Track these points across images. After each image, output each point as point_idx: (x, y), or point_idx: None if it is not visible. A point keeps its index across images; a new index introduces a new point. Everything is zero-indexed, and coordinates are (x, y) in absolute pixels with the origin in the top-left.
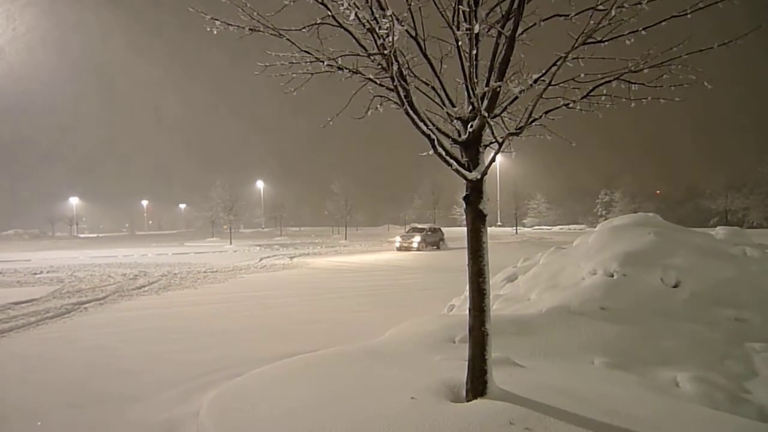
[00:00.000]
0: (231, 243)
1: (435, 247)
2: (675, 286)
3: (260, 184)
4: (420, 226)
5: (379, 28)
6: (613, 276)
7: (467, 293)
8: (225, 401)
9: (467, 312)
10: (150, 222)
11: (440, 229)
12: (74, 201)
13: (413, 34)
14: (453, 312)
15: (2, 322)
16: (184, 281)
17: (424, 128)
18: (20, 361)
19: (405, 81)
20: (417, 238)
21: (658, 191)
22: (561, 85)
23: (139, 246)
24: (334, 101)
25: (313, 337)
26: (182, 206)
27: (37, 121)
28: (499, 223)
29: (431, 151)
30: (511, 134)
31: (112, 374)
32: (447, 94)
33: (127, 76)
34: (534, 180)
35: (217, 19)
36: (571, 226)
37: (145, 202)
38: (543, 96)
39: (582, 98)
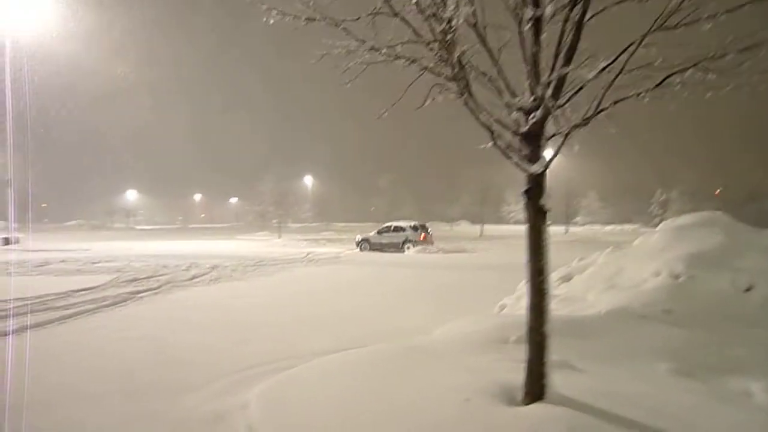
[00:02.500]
0: (280, 237)
1: (398, 248)
2: (747, 290)
3: (308, 180)
4: (398, 223)
5: (444, 11)
6: (678, 278)
7: (521, 292)
8: (274, 394)
9: (523, 312)
10: (202, 215)
11: (420, 227)
12: (132, 194)
13: (473, 22)
14: (504, 312)
15: (63, 308)
16: (234, 273)
17: (485, 119)
18: (76, 347)
19: (464, 70)
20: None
21: (717, 191)
22: (634, 71)
23: (191, 238)
24: (383, 97)
25: (361, 332)
26: (233, 200)
27: (99, 116)
28: (548, 222)
29: (490, 144)
30: (577, 126)
31: (163, 363)
32: (507, 84)
33: (181, 70)
34: (586, 177)
35: (273, 8)
36: (624, 226)
37: (198, 196)
38: (611, 85)
39: (655, 86)
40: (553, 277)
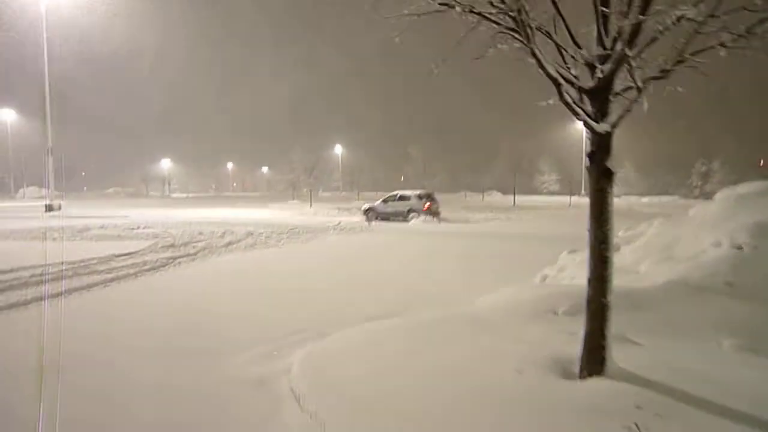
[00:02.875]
0: (311, 206)
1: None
2: None
3: (338, 149)
4: (403, 192)
5: None
6: (741, 248)
7: (563, 262)
8: (317, 360)
9: (567, 282)
10: (234, 184)
11: (426, 196)
12: (166, 162)
13: None
14: (547, 282)
15: (105, 272)
16: (268, 240)
17: (552, 71)
18: (122, 310)
19: (527, 17)
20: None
21: (762, 162)
22: (722, 16)
23: (225, 206)
24: (416, 64)
25: (398, 299)
26: (265, 169)
27: (136, 87)
28: (583, 192)
29: (555, 99)
30: (654, 78)
31: (206, 327)
32: (572, 35)
33: (216, 42)
34: (621, 146)
35: None
36: (662, 198)
37: (230, 165)
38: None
39: (745, 33)
40: None
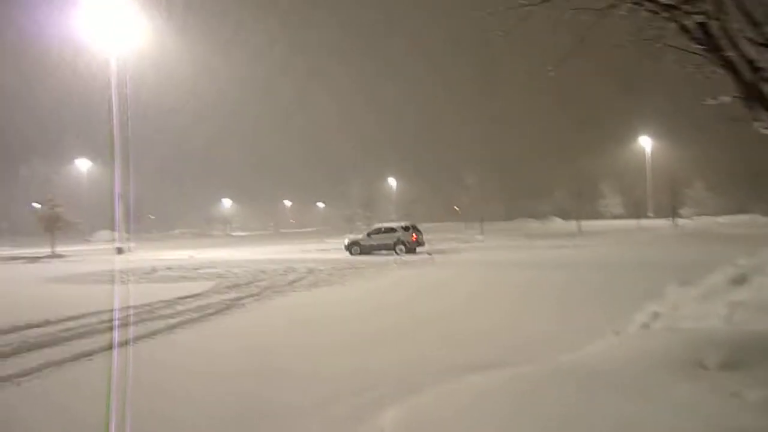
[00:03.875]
0: None
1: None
2: None
3: (392, 181)
4: (389, 225)
5: None
6: None
7: (676, 297)
8: (413, 424)
9: (691, 324)
10: (291, 221)
11: (412, 227)
12: (227, 203)
13: None
14: (660, 322)
15: (169, 317)
16: (331, 277)
17: (736, 58)
18: (182, 361)
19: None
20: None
21: None
22: None
23: (283, 243)
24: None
25: (489, 344)
26: (320, 205)
27: (197, 130)
28: (649, 214)
29: (726, 98)
30: None
31: (276, 379)
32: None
33: (269, 83)
34: (690, 166)
35: None
36: (739, 216)
37: (287, 202)
38: None
39: None
40: (717, 279)
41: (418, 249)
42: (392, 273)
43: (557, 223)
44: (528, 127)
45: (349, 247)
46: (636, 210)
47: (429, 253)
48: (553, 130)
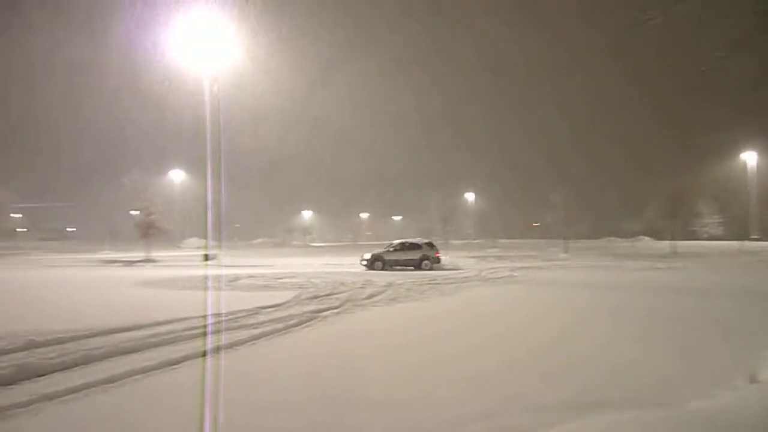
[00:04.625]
0: (447, 254)
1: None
2: None
3: (471, 195)
4: (413, 240)
5: None
6: None
7: None
8: None
9: None
10: (368, 233)
11: (432, 244)
12: (307, 214)
13: None
14: None
15: (252, 327)
16: (410, 292)
17: None
18: (263, 376)
19: None
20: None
21: None
22: None
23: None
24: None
25: (588, 376)
26: (396, 218)
27: (279, 143)
28: (754, 236)
29: None
30: None
31: (361, 401)
32: None
33: (350, 97)
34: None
35: None
36: None
37: (364, 215)
38: None
39: None
40: None
41: (435, 266)
42: (473, 290)
43: (647, 243)
44: (617, 142)
45: (371, 262)
46: (738, 231)
47: (510, 270)
48: (645, 146)
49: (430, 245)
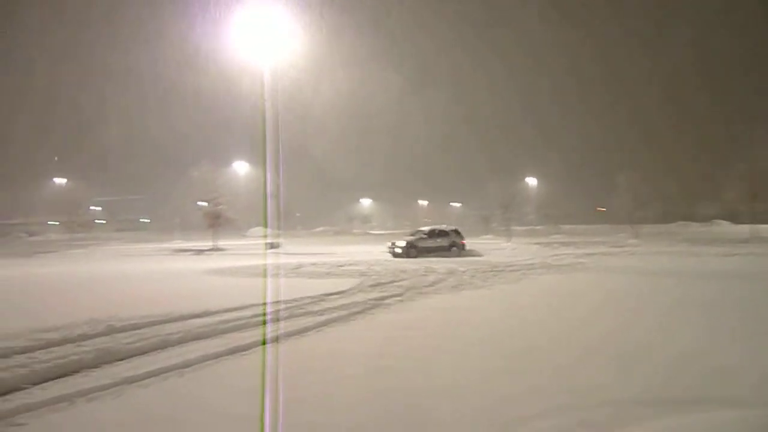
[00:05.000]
0: (509, 241)
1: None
2: None
3: (533, 180)
4: (441, 227)
5: None
6: None
7: None
8: None
9: None
10: (426, 220)
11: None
12: (366, 202)
13: None
14: None
15: (318, 314)
16: (473, 280)
17: None
18: (334, 362)
19: None
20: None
21: None
22: None
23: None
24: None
25: (675, 372)
26: (455, 204)
27: (340, 133)
28: None
29: None
30: None
31: (428, 391)
32: None
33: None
34: None
35: None
36: None
37: (423, 202)
38: None
39: None
40: None
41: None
42: (539, 278)
43: (724, 227)
44: (690, 122)
45: (407, 250)
46: None
47: (576, 257)
48: (719, 125)
49: (457, 232)
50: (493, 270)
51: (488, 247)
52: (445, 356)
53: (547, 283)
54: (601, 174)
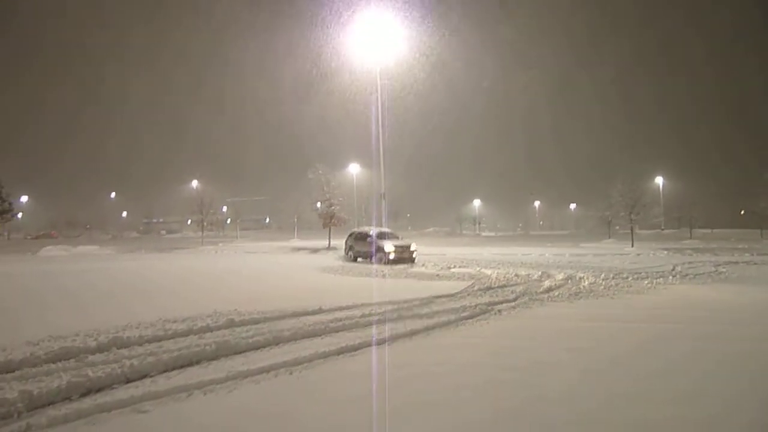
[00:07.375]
0: (633, 245)
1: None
2: None
3: (659, 180)
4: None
5: None
6: None
7: None
8: None
9: None
10: (541, 222)
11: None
12: (477, 203)
13: None
14: None
15: (426, 317)
16: (594, 288)
17: None
18: (444, 369)
19: None
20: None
21: None
22: None
23: (534, 245)
24: None
25: None
26: (573, 206)
27: (451, 138)
28: None
29: None
30: None
31: (539, 414)
32: None
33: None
34: None
35: None
36: None
37: (537, 203)
38: None
39: None
40: None
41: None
42: (670, 288)
43: None
44: None
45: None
46: None
47: (715, 265)
48: None
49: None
50: (616, 277)
51: (609, 252)
52: (560, 370)
53: (680, 293)
54: (743, 171)
